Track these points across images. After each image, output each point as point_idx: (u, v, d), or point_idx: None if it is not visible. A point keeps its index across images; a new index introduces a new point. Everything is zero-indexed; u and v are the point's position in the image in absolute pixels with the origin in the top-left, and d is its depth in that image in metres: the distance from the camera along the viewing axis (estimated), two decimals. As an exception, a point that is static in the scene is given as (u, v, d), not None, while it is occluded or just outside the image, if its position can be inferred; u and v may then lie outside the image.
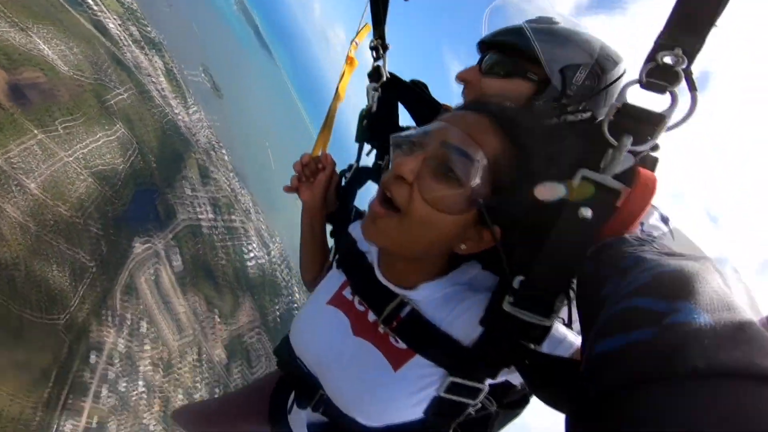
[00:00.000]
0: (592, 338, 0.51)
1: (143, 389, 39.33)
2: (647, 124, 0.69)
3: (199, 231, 50.26)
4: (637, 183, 0.68)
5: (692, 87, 0.69)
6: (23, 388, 33.16)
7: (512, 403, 1.09)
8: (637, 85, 0.72)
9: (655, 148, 0.73)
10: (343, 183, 1.43)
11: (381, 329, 0.98)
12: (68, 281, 35.95)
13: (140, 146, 43.97)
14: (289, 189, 1.35)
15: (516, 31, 1.08)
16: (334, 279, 1.14)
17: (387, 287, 0.99)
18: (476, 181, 0.79)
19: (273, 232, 66.37)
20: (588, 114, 1.05)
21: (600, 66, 1.06)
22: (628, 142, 0.69)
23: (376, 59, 1.49)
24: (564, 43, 1.06)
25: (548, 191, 0.70)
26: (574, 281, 0.74)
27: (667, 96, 0.69)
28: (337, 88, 1.62)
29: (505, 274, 0.80)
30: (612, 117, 0.72)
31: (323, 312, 1.08)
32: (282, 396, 1.31)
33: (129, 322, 40.55)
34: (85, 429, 34.73)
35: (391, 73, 1.47)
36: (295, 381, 1.12)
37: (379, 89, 1.45)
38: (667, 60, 0.68)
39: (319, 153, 1.49)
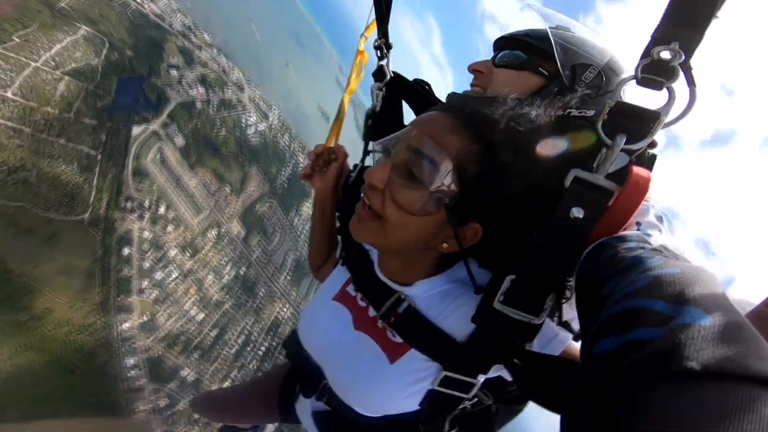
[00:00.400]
0: (591, 337, 0.52)
1: (177, 275, 41.07)
2: (642, 122, 0.69)
3: (194, 107, 48.07)
4: (629, 182, 0.69)
5: (691, 82, 0.68)
6: (78, 295, 33.79)
7: (511, 399, 1.13)
8: (633, 82, 0.72)
9: (653, 145, 0.73)
10: (349, 182, 1.44)
11: (380, 324, 1.02)
12: (80, 175, 34.67)
13: (111, 41, 40.43)
14: (304, 176, 1.47)
15: (532, 31, 1.17)
16: (340, 275, 1.21)
17: (386, 284, 1.04)
18: (438, 182, 0.81)
19: (269, 101, 61.88)
20: (591, 112, 1.03)
21: (610, 70, 1.11)
22: (621, 141, 0.69)
23: (380, 59, 1.54)
24: (578, 44, 1.11)
25: None
26: (569, 280, 0.76)
27: (665, 92, 0.69)
28: (348, 81, 1.73)
29: (498, 272, 0.85)
30: (606, 116, 0.72)
31: (328, 307, 1.15)
32: (290, 386, 1.41)
33: (148, 206, 40.18)
34: (140, 325, 37.16)
35: (394, 73, 1.51)
36: (301, 371, 1.21)
37: (383, 89, 1.48)
38: (664, 55, 0.67)
39: (332, 144, 1.59)
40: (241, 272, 48.17)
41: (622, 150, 0.70)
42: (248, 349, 46.17)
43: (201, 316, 42.36)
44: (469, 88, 1.32)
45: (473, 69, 1.19)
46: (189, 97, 46.89)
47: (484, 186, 0.82)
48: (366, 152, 1.45)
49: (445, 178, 0.81)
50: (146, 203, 39.07)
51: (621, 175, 0.70)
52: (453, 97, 1.02)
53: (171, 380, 37.34)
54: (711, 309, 0.44)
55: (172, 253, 40.80)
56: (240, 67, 58.29)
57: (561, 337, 0.88)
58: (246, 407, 1.67)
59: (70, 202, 33.25)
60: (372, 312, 1.05)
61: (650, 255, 0.60)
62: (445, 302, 0.96)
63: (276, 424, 2.01)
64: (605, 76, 1.09)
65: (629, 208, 0.70)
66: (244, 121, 55.87)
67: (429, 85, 1.48)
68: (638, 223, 0.79)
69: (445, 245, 0.89)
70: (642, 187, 0.68)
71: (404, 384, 0.96)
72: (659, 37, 0.67)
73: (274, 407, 1.51)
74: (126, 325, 36.00)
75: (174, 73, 46.64)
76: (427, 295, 0.98)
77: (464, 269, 0.93)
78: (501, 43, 1.23)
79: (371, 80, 1.60)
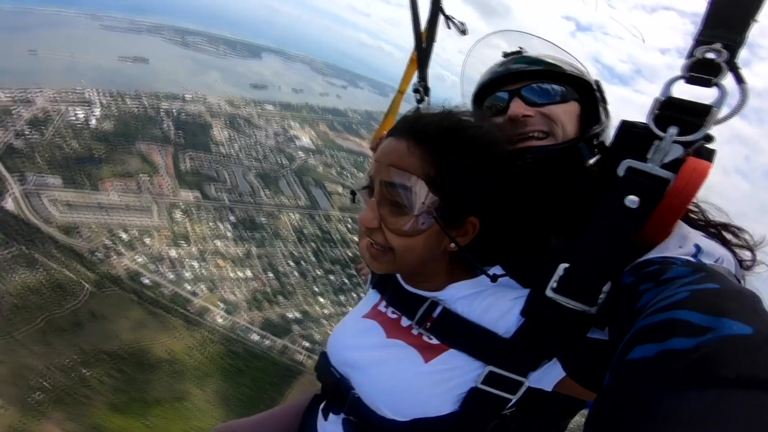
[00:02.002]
0: (625, 345, 0.53)
1: (197, 263, 42.51)
2: (693, 115, 0.71)
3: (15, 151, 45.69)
4: (684, 169, 0.70)
5: (740, 79, 0.71)
6: (171, 335, 35.06)
7: (555, 415, 1.13)
8: (682, 81, 0.74)
9: (710, 139, 0.74)
10: None
11: (414, 331, 1.04)
12: (36, 274, 33.86)
13: None
14: (373, 149, 1.55)
15: (536, 58, 1.16)
16: (370, 298, 1.24)
17: (417, 294, 1.07)
18: (419, 201, 0.88)
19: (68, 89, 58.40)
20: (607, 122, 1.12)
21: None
22: (673, 132, 0.72)
23: (419, 101, 1.63)
24: (576, 60, 1.17)
25: None
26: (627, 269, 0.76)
27: (714, 90, 0.71)
28: (401, 83, 1.85)
29: (544, 260, 0.85)
30: (657, 110, 0.75)
31: (359, 323, 1.18)
32: (314, 411, 1.40)
33: (112, 243, 39.81)
34: (226, 312, 39.35)
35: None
36: (329, 388, 1.20)
37: None
38: (709, 55, 0.71)
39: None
40: (232, 219, 48.95)
41: (677, 142, 0.72)
42: (303, 263, 49.63)
43: (247, 272, 44.59)
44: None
45: (520, 115, 1.09)
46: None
47: (458, 184, 0.89)
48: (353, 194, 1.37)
49: (422, 197, 0.88)
50: (106, 242, 38.25)
51: (677, 167, 0.72)
52: (398, 122, 1.04)
53: (290, 326, 40.91)
54: (749, 321, 0.45)
55: (173, 252, 41.07)
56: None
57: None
58: None
59: (64, 294, 32.64)
60: (405, 322, 1.08)
61: (690, 272, 0.62)
62: (481, 301, 0.99)
63: None
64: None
65: (686, 195, 0.71)
66: (74, 118, 50.44)
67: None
68: (698, 249, 0.75)
69: (452, 245, 0.95)
70: (699, 174, 0.70)
71: (439, 382, 0.97)
72: (702, 40, 0.72)
73: None
74: (219, 320, 38.13)
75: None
76: (460, 296, 1.02)
77: (495, 271, 0.99)
78: (516, 78, 1.14)
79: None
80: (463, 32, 1.69)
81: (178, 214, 44.91)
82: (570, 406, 1.06)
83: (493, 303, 0.96)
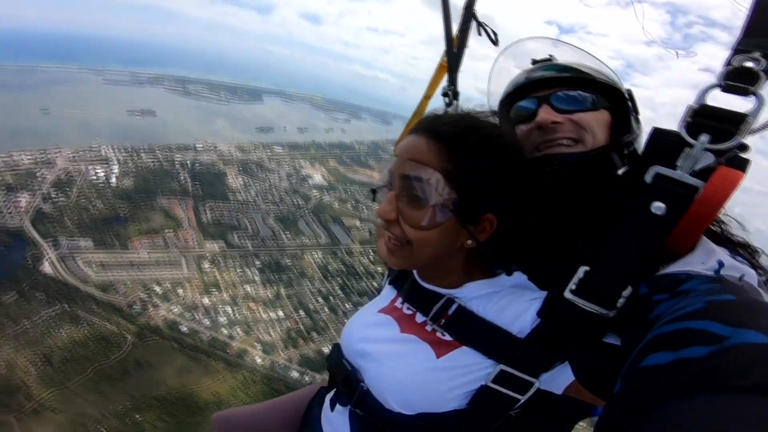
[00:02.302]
0: (638, 353, 0.53)
1: (230, 308, 43.88)
2: (727, 123, 0.71)
3: (45, 216, 47.92)
4: (714, 178, 0.70)
5: None
6: (221, 377, 36.02)
7: (562, 419, 1.12)
8: (718, 89, 0.74)
9: (744, 148, 0.73)
10: None
11: (429, 327, 1.04)
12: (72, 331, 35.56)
13: None
14: None
15: (567, 65, 1.15)
16: (387, 294, 1.26)
17: (433, 291, 1.07)
18: (435, 194, 0.90)
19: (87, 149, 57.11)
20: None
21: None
22: (705, 140, 0.71)
23: (447, 105, 1.63)
24: (609, 68, 1.14)
25: None
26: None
27: (751, 99, 0.70)
28: (428, 87, 1.92)
29: (565, 263, 0.85)
30: (689, 118, 0.75)
31: (374, 318, 1.19)
32: (319, 402, 1.41)
33: (147, 297, 41.28)
34: (263, 352, 40.51)
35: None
36: (339, 379, 1.20)
37: None
38: (747, 64, 0.71)
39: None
40: (257, 264, 50.62)
41: (710, 150, 0.72)
42: (331, 299, 50.84)
43: (279, 312, 46.06)
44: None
45: (550, 122, 1.06)
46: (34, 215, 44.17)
47: (474, 180, 0.91)
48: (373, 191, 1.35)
49: (439, 189, 0.90)
50: (142, 296, 39.81)
51: (707, 175, 0.71)
52: (418, 122, 1.05)
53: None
54: (764, 331, 0.46)
55: (206, 300, 42.58)
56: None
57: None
58: (266, 424, 1.69)
59: (109, 345, 34.19)
60: (420, 318, 1.08)
61: (706, 283, 0.63)
62: (497, 301, 0.99)
63: None
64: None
65: (714, 204, 0.70)
66: (95, 177, 52.76)
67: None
68: (721, 264, 0.74)
69: (469, 242, 0.95)
70: (729, 183, 0.70)
71: (449, 378, 0.97)
72: (741, 48, 0.71)
73: (296, 425, 1.56)
74: (258, 360, 39.50)
75: None
76: (477, 295, 1.02)
77: (513, 279, 1.03)
78: (546, 84, 1.12)
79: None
80: (495, 42, 1.70)
81: (206, 265, 46.56)
82: (578, 410, 1.09)
83: (509, 303, 0.97)
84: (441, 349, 0.99)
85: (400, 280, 1.22)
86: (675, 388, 0.42)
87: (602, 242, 0.79)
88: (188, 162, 62.56)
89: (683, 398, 0.40)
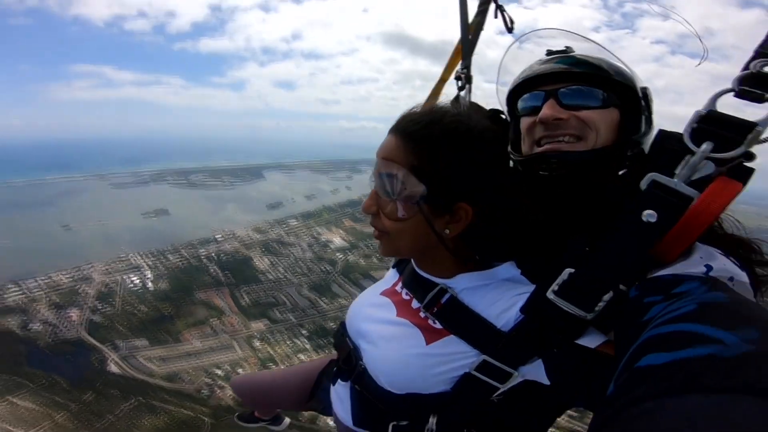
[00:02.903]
0: (630, 357, 0.55)
1: None
2: (734, 132, 0.69)
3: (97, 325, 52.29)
4: (709, 190, 0.70)
5: None
6: None
7: (547, 409, 1.16)
8: (731, 94, 0.72)
9: (751, 157, 0.71)
10: None
11: (422, 314, 1.12)
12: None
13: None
14: None
15: (580, 59, 1.10)
16: (390, 277, 1.37)
17: (429, 279, 1.15)
18: (400, 188, 0.99)
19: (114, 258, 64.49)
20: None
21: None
22: (707, 148, 0.70)
23: (460, 89, 1.68)
24: (625, 64, 1.10)
25: None
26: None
27: (764, 107, 0.68)
28: (443, 71, 1.94)
29: (551, 268, 0.88)
30: (695, 124, 0.73)
31: (376, 300, 1.30)
32: (328, 373, 1.54)
33: (210, 381, 43.99)
34: None
35: (471, 102, 1.54)
36: (342, 356, 1.30)
37: None
38: (766, 69, 0.69)
39: None
40: (304, 333, 53.97)
41: (711, 159, 0.70)
42: None
43: None
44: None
45: (554, 119, 1.03)
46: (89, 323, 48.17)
47: (440, 172, 0.97)
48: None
49: (406, 183, 0.98)
50: (206, 381, 43.01)
51: (705, 185, 0.71)
52: (397, 120, 1.08)
53: None
54: (757, 330, 0.47)
55: None
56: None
57: (596, 334, 0.88)
58: (280, 390, 1.82)
59: (189, 429, 36.85)
60: (415, 304, 1.16)
61: (698, 285, 0.64)
62: (488, 294, 1.05)
63: (288, 421, 2.43)
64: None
65: (705, 217, 0.71)
66: (133, 285, 56.77)
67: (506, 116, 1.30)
68: (710, 267, 0.73)
69: (447, 231, 1.02)
70: (724, 196, 0.69)
71: (436, 364, 1.04)
72: (763, 52, 0.69)
73: (306, 393, 1.68)
74: (329, 422, 41.30)
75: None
76: (468, 286, 1.08)
77: (506, 272, 1.07)
78: (556, 78, 1.08)
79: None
80: (510, 29, 1.69)
81: (257, 343, 49.73)
82: (564, 400, 1.11)
83: (498, 297, 1.02)
84: (431, 335, 1.07)
85: (401, 265, 1.35)
86: (668, 389, 0.43)
87: (592, 245, 0.82)
88: (213, 254, 66.93)
89: (676, 398, 0.41)
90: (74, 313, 48.85)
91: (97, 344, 44.84)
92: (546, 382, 0.95)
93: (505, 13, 1.72)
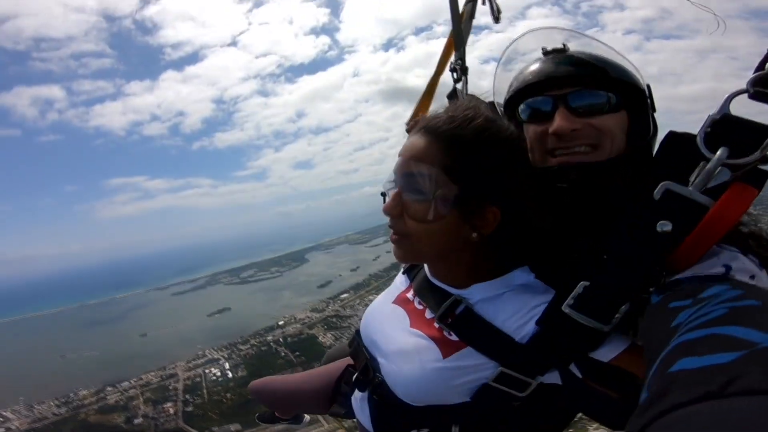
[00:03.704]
0: (662, 363, 0.53)
1: None
2: (750, 137, 0.67)
3: None
4: (724, 199, 0.68)
5: None
6: None
7: (561, 409, 1.15)
8: (745, 96, 0.70)
9: (766, 160, 0.69)
10: None
11: (436, 324, 1.09)
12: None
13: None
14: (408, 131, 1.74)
15: (584, 59, 1.04)
16: (400, 283, 1.35)
17: (442, 288, 1.13)
18: (434, 187, 0.95)
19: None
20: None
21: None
22: (723, 154, 0.68)
23: (456, 81, 1.67)
24: (626, 61, 1.07)
25: None
26: (649, 294, 0.77)
27: None
28: (438, 65, 1.90)
29: (566, 276, 0.89)
30: (708, 128, 0.71)
31: (388, 309, 1.28)
32: (346, 382, 1.52)
33: None
34: None
35: (469, 95, 1.56)
36: (359, 366, 1.29)
37: None
38: None
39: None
40: None
41: (726, 165, 0.68)
42: None
43: None
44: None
45: (571, 130, 0.98)
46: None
47: (473, 174, 0.95)
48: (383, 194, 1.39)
49: (439, 182, 0.95)
50: None
51: (720, 192, 0.69)
52: (419, 121, 1.07)
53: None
54: None
55: None
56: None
57: (615, 342, 0.87)
58: (299, 396, 1.80)
59: None
60: (429, 314, 1.13)
61: (727, 289, 0.61)
62: (503, 305, 1.02)
63: (308, 418, 2.38)
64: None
65: (721, 226, 0.69)
66: (215, 377, 62.89)
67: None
68: (729, 267, 0.71)
69: (474, 234, 0.99)
70: (739, 203, 0.68)
71: (454, 377, 1.02)
72: None
73: (326, 399, 1.64)
74: None
75: None
76: (484, 297, 1.06)
77: (520, 277, 1.05)
78: (565, 82, 1.02)
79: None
80: (497, 18, 1.66)
81: None
82: (579, 403, 1.09)
83: (514, 309, 1.00)
84: (447, 348, 1.04)
85: (412, 271, 1.32)
86: (706, 394, 0.41)
87: (607, 256, 0.80)
88: (280, 339, 72.16)
89: (714, 402, 0.40)
90: (169, 407, 55.21)
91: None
92: (560, 382, 0.97)
93: (493, 2, 1.69)
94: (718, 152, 0.69)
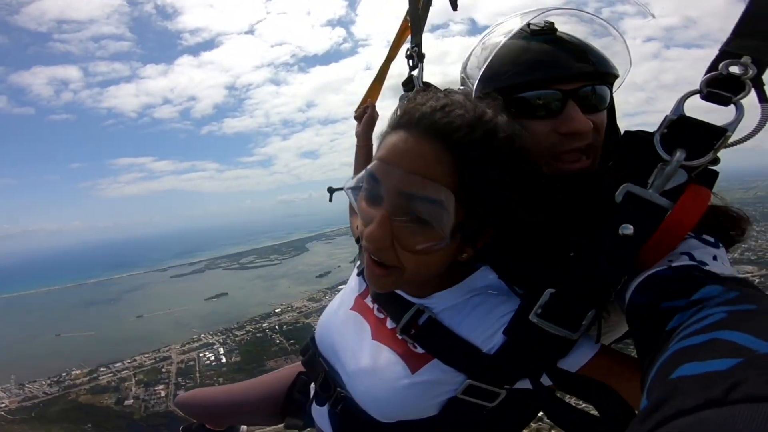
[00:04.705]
0: (662, 368, 0.53)
1: None
2: (705, 138, 0.69)
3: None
4: (683, 200, 0.69)
5: (763, 98, 0.67)
6: None
7: (530, 410, 1.10)
8: (697, 96, 0.70)
9: (715, 161, 0.71)
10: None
11: (399, 335, 1.01)
12: None
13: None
14: (356, 117, 1.88)
15: (585, 47, 0.97)
16: (356, 285, 1.23)
17: (403, 297, 1.04)
18: (449, 219, 0.77)
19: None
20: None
21: None
22: (681, 156, 0.69)
23: (411, 68, 1.58)
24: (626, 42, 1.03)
25: None
26: (611, 297, 0.79)
27: (731, 109, 0.67)
28: (390, 49, 1.82)
29: (531, 285, 0.86)
30: (665, 129, 0.72)
31: (346, 317, 1.17)
32: (299, 391, 1.41)
33: None
34: None
35: (425, 83, 1.51)
36: (317, 379, 1.20)
37: None
38: (734, 69, 0.67)
39: (368, 102, 1.87)
40: None
41: (683, 167, 0.70)
42: None
43: None
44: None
45: (584, 131, 0.92)
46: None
47: (488, 197, 0.80)
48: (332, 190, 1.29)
49: (451, 209, 0.77)
50: None
51: (677, 193, 0.70)
52: (411, 113, 0.82)
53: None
54: None
55: None
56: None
57: (583, 349, 0.85)
58: (243, 406, 1.63)
59: None
60: (390, 324, 1.05)
61: (722, 291, 0.61)
62: (468, 313, 0.96)
63: (245, 428, 2.10)
64: None
65: (682, 228, 0.70)
66: (208, 361, 63.06)
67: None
68: (693, 255, 0.71)
69: (464, 255, 0.89)
70: (698, 205, 0.69)
71: (425, 392, 0.97)
72: (729, 51, 0.67)
73: (275, 408, 1.52)
74: None
75: None
76: (447, 306, 0.99)
77: (483, 278, 0.99)
78: (585, 77, 0.93)
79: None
80: (454, 5, 1.59)
81: None
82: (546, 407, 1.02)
83: (480, 318, 0.94)
84: (414, 362, 0.98)
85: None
86: (707, 401, 0.41)
87: (568, 263, 0.79)
88: (276, 326, 72.81)
89: (716, 410, 0.39)
90: (161, 389, 55.50)
91: (188, 417, 49.04)
92: (530, 387, 0.93)
93: None
94: (677, 154, 0.70)
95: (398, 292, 1.06)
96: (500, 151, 0.79)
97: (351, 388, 1.09)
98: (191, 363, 62.02)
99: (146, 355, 65.09)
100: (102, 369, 61.10)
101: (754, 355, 0.45)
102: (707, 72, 0.70)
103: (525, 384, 0.93)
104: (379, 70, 1.88)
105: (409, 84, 1.60)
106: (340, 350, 1.15)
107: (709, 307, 0.58)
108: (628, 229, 0.72)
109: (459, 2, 1.60)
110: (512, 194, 0.82)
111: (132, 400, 53.01)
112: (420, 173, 0.77)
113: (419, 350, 0.99)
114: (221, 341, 68.50)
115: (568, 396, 0.91)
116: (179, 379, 57.56)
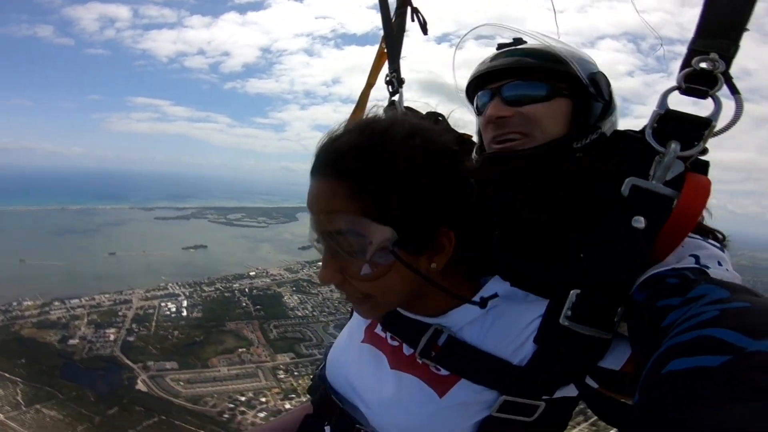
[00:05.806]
0: (655, 364, 0.54)
1: None
2: (693, 129, 0.73)
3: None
4: (687, 188, 0.72)
5: (734, 90, 0.73)
6: None
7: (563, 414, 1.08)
8: (677, 92, 0.76)
9: (704, 152, 0.76)
10: None
11: (419, 360, 0.97)
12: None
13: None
14: None
15: (524, 51, 1.09)
16: (362, 319, 1.18)
17: (417, 319, 0.99)
18: (368, 242, 0.79)
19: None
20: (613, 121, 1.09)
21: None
22: (677, 148, 0.73)
23: (392, 94, 1.62)
24: (574, 52, 1.07)
25: None
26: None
27: (708, 101, 0.73)
28: (369, 76, 1.83)
29: (547, 288, 0.87)
30: (655, 124, 0.76)
31: (358, 350, 1.13)
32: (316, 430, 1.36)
33: (231, 406, 45.97)
34: None
35: (407, 107, 1.50)
36: (332, 419, 1.14)
37: None
38: (704, 65, 0.72)
39: None
40: None
41: (679, 157, 0.74)
42: None
43: None
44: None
45: (497, 117, 1.04)
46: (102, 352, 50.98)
47: (409, 206, 0.79)
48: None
49: (369, 235, 0.78)
50: (229, 406, 44.96)
51: (678, 183, 0.73)
52: (315, 157, 0.88)
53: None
54: None
55: (288, 405, 46.57)
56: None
57: (621, 348, 0.83)
58: None
59: None
60: (407, 350, 1.01)
61: (715, 289, 0.62)
62: (489, 325, 0.93)
63: None
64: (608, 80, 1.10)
65: (691, 215, 0.73)
66: (168, 312, 60.60)
67: (444, 119, 1.18)
68: (697, 257, 0.74)
69: (433, 265, 0.86)
70: (702, 191, 0.72)
71: (457, 415, 0.93)
72: (697, 49, 0.73)
73: None
74: None
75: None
76: (467, 321, 0.95)
77: (498, 288, 0.95)
78: (500, 75, 1.08)
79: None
80: (424, 29, 1.68)
81: (281, 374, 51.53)
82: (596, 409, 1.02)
83: (504, 328, 0.91)
84: (440, 386, 0.94)
85: None
86: (700, 395, 0.43)
87: (588, 261, 0.80)
88: (246, 289, 70.85)
89: (708, 405, 0.41)
90: (111, 332, 53.22)
91: (129, 363, 48.17)
92: (574, 394, 0.92)
93: (419, 15, 1.69)
94: (672, 145, 0.74)
95: (412, 316, 1.01)
96: (397, 154, 0.79)
97: (376, 422, 1.03)
98: (150, 311, 59.68)
99: (106, 296, 62.44)
100: (56, 303, 58.26)
101: (743, 353, 0.45)
102: (681, 69, 0.74)
103: (566, 392, 0.91)
104: (360, 97, 1.90)
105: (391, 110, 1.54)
106: (357, 385, 1.09)
107: (702, 305, 0.59)
108: (639, 222, 0.74)
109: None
110: (426, 188, 0.81)
111: (77, 340, 50.55)
112: (326, 211, 0.81)
113: (443, 372, 0.95)
114: (187, 294, 66.17)
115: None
116: (133, 325, 55.43)
